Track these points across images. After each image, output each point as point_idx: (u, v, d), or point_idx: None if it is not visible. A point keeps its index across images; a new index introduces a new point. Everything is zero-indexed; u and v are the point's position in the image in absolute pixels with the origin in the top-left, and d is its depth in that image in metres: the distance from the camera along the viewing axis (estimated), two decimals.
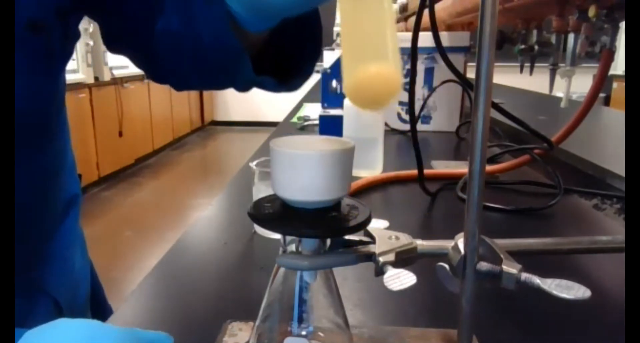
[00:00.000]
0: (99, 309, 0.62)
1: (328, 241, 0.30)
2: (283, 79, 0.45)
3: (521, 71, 0.89)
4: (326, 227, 0.28)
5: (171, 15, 0.41)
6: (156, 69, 0.48)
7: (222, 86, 0.49)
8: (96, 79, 3.91)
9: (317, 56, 0.45)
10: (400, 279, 0.27)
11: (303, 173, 0.27)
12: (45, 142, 0.46)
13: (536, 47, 0.82)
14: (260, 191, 0.60)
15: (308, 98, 2.20)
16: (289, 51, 0.46)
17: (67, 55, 0.46)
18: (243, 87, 0.47)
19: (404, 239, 0.31)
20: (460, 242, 0.31)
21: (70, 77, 3.56)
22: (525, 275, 0.29)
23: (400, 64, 0.22)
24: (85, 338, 0.24)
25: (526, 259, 0.30)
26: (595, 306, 0.43)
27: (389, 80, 0.21)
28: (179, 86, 0.49)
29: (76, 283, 0.55)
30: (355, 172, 0.82)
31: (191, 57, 0.43)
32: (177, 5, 0.41)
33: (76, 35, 0.47)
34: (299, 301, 0.30)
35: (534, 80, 1.19)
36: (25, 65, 0.38)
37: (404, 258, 0.31)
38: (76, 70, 3.70)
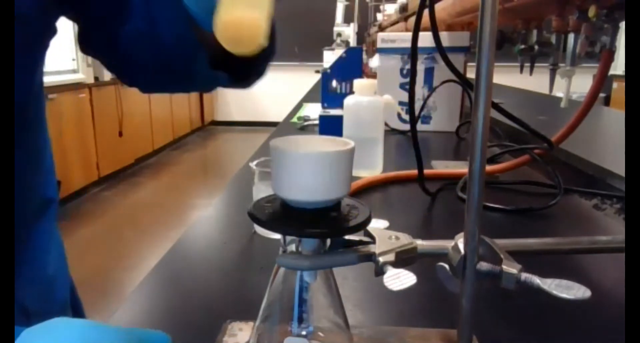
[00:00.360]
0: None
1: (328, 241, 0.30)
2: (237, 76, 0.48)
3: (521, 71, 0.89)
4: (326, 227, 0.28)
5: (137, 17, 0.45)
6: (125, 71, 0.51)
7: (185, 86, 0.53)
8: (96, 79, 3.91)
9: (272, 56, 0.48)
10: (400, 279, 0.27)
11: (303, 173, 0.27)
12: (20, 138, 0.46)
13: (536, 47, 0.82)
14: (260, 191, 0.60)
15: (308, 98, 2.20)
16: None
17: (44, 50, 0.47)
18: (203, 86, 0.51)
19: (404, 239, 0.31)
20: (460, 242, 0.31)
21: (70, 77, 3.56)
22: (525, 275, 0.29)
23: (269, 17, 0.25)
24: (83, 338, 0.24)
25: (526, 259, 0.30)
26: (595, 306, 0.43)
27: (254, 26, 0.24)
28: (146, 88, 0.53)
29: (48, 289, 0.53)
30: (355, 172, 0.82)
31: (154, 56, 0.47)
32: (142, 7, 0.45)
33: (54, 32, 0.48)
34: (299, 301, 0.30)
35: (534, 80, 1.19)
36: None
37: (404, 258, 0.31)
38: (76, 70, 3.70)
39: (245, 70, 0.49)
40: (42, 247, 0.52)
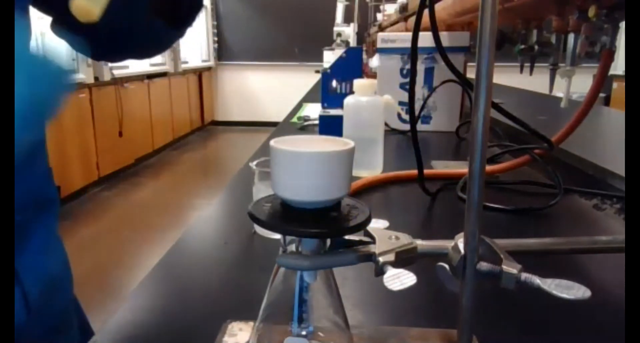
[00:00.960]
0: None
1: (328, 241, 0.30)
2: (172, 25, 0.57)
3: (521, 71, 0.89)
4: (326, 227, 0.28)
5: None
6: (92, 47, 0.56)
7: (141, 47, 0.60)
8: (96, 79, 3.91)
9: (200, 7, 0.59)
10: (400, 279, 0.27)
11: (303, 173, 0.27)
12: None
13: (536, 47, 0.82)
14: (260, 191, 0.60)
15: (308, 98, 2.20)
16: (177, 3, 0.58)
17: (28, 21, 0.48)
18: (154, 43, 0.60)
19: (404, 239, 0.31)
20: (460, 242, 0.31)
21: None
22: (525, 275, 0.29)
23: (102, 3, 0.36)
24: None
25: (526, 259, 0.30)
26: (595, 306, 0.43)
27: (88, 10, 0.36)
28: (113, 58, 0.61)
29: (50, 290, 0.53)
30: (355, 172, 0.82)
31: (111, 26, 0.52)
32: None
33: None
34: (299, 301, 0.30)
35: (534, 80, 1.19)
36: None
37: (404, 258, 0.31)
38: (76, 70, 3.70)
39: (179, 20, 0.58)
40: (40, 246, 0.52)
